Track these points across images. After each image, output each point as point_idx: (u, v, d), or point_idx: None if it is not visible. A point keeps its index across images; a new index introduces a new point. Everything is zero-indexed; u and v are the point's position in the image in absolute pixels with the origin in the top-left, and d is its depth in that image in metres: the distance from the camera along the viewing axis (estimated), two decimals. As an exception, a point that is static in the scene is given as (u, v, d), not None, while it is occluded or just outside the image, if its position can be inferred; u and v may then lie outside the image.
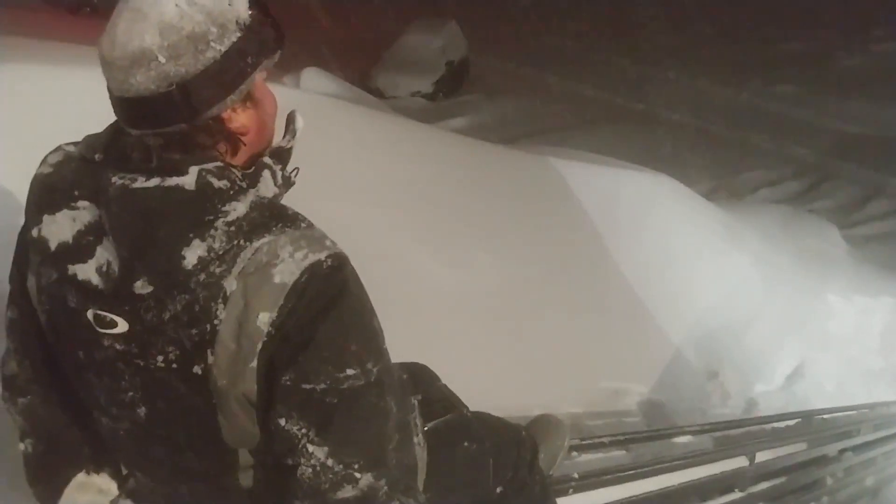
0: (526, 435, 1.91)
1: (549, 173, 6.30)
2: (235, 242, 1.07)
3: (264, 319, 1.06)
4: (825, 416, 4.59)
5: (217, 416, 1.14)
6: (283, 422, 1.09)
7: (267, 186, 1.16)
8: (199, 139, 1.12)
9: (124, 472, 1.38)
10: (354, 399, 1.10)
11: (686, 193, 7.85)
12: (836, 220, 10.47)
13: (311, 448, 1.09)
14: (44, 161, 1.22)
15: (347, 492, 1.10)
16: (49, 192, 1.18)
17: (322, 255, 1.09)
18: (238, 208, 1.09)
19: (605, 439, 2.90)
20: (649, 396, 5.20)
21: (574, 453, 2.82)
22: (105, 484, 1.36)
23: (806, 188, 11.97)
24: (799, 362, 7.60)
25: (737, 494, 3.29)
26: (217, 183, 1.09)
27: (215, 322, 1.07)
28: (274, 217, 1.12)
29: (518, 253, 5.16)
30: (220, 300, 1.07)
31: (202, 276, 1.06)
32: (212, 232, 1.06)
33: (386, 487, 1.13)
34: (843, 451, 4.46)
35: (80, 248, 1.12)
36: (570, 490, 2.40)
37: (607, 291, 5.77)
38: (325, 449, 1.09)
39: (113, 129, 1.18)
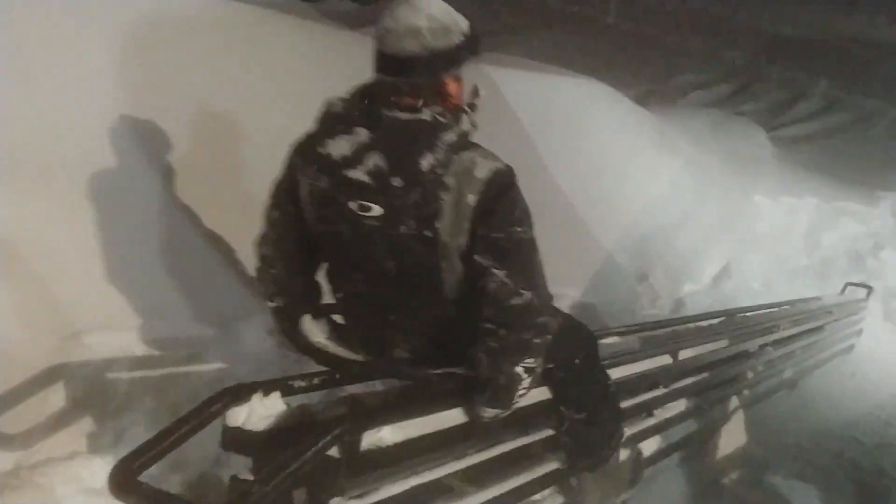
0: (587, 331, 2.51)
1: (482, 81, 6.22)
2: (450, 155, 1.82)
3: (472, 199, 1.80)
4: (747, 314, 4.78)
5: (440, 263, 1.88)
6: (478, 257, 1.84)
7: (466, 125, 1.92)
8: (429, 90, 1.87)
9: (342, 321, 2.21)
10: (520, 244, 1.86)
11: (619, 99, 7.90)
12: (763, 123, 10.68)
13: (494, 271, 1.83)
14: (327, 104, 1.94)
15: (516, 301, 1.85)
16: (333, 123, 1.89)
17: (499, 164, 1.86)
18: (451, 136, 1.84)
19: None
20: (581, 300, 5.35)
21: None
22: (323, 324, 2.20)
23: (735, 90, 12.13)
24: (726, 262, 7.87)
25: (661, 390, 3.47)
26: (442, 120, 1.85)
27: (441, 202, 1.80)
28: (469, 143, 1.89)
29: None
30: (442, 190, 1.80)
31: (431, 176, 1.80)
32: (436, 148, 1.81)
33: (537, 303, 1.88)
34: (763, 346, 4.67)
35: (355, 158, 1.83)
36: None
37: (541, 198, 5.77)
38: (503, 272, 1.83)
39: (361, 89, 1.93)
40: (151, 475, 1.64)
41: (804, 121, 11.44)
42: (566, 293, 5.28)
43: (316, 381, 2.13)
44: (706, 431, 3.91)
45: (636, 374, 3.23)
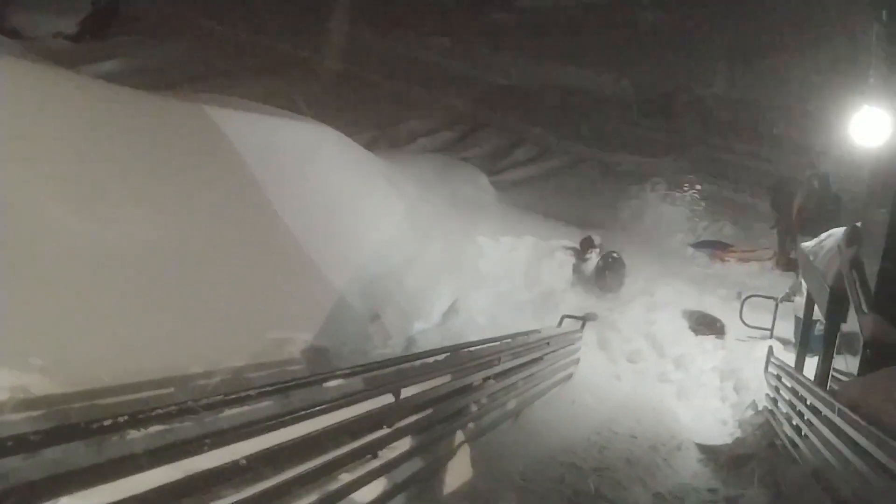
0: None
1: (203, 122, 6.05)
2: (615, 257, 10.05)
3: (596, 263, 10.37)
4: (471, 349, 4.91)
5: None
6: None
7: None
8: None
9: None
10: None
11: (347, 143, 7.97)
12: (485, 168, 11.31)
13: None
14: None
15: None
16: (581, 250, 9.81)
17: (615, 252, 9.92)
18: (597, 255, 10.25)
19: (252, 392, 2.87)
20: (313, 343, 5.26)
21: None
22: None
23: (459, 137, 12.75)
24: (454, 300, 8.17)
25: (385, 430, 3.46)
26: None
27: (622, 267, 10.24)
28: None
29: (174, 206, 4.93)
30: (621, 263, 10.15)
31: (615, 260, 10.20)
32: (608, 257, 10.05)
33: None
34: (486, 379, 4.84)
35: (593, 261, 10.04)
36: (206, 447, 2.35)
37: (271, 242, 5.72)
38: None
39: (583, 246, 9.99)
40: None
41: (521, 165, 12.25)
42: (298, 337, 5.18)
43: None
44: (432, 468, 3.94)
45: (356, 416, 3.20)
